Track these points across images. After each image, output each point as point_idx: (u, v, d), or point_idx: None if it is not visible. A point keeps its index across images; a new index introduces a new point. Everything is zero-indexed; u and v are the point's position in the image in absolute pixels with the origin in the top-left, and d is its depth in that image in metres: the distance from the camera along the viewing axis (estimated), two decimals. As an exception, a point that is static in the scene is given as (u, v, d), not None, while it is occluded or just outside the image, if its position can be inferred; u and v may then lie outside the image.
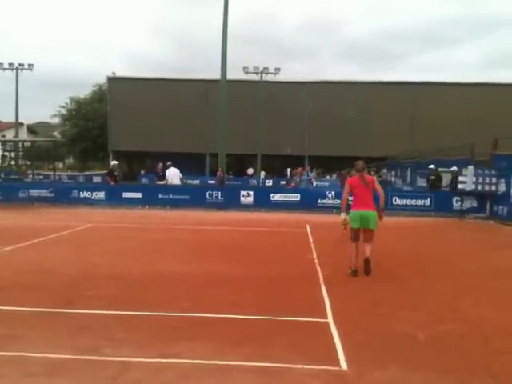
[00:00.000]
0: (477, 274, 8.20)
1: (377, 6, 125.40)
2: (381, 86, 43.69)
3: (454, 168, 18.76)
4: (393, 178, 30.87)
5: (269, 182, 36.80)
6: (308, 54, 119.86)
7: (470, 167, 16.66)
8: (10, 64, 43.55)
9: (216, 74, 28.52)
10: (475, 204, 17.19)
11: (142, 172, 40.58)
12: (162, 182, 20.39)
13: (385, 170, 36.34)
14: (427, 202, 17.85)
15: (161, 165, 21.07)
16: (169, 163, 20.46)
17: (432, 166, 19.70)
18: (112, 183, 19.90)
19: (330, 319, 5.38)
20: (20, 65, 43.71)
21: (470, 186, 16.70)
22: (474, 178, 16.59)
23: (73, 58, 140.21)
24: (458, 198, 17.33)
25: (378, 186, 7.85)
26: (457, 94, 41.01)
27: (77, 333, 4.81)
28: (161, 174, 20.72)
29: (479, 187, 16.63)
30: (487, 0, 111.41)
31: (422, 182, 22.44)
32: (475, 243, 12.20)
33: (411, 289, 6.93)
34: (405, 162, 28.04)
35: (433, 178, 19.30)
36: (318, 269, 8.07)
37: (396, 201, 17.82)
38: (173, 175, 19.84)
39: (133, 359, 4.20)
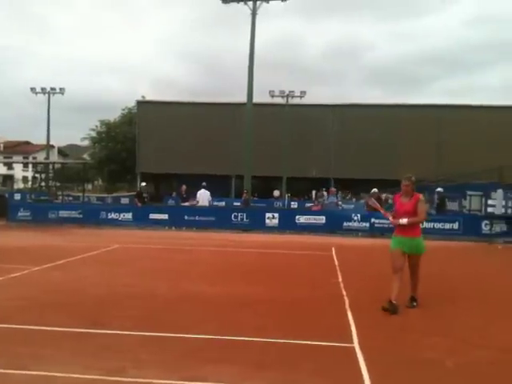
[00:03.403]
0: (507, 300, 8.00)
1: (401, 31, 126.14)
2: (406, 108, 43.52)
3: (440, 189, 20.17)
4: (435, 201, 30.51)
5: (294, 205, 36.70)
6: (333, 78, 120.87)
7: (499, 191, 16.42)
8: (43, 88, 44.81)
9: (242, 97, 28.91)
10: (505, 228, 16.86)
11: (174, 194, 40.87)
12: (186, 204, 20.52)
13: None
14: (455, 225, 17.55)
15: (184, 187, 21.23)
16: (203, 184, 20.54)
17: (440, 189, 19.95)
18: (139, 205, 20.15)
19: (355, 344, 5.30)
20: (52, 89, 44.92)
21: (499, 210, 16.43)
22: (504, 202, 16.33)
23: (103, 83, 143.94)
24: (487, 222, 17.01)
25: None
26: (483, 117, 40.54)
27: (103, 353, 4.84)
28: (184, 195, 20.86)
29: (509, 211, 16.33)
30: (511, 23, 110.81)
31: (450, 206, 22.14)
32: (505, 268, 11.92)
33: (439, 315, 6.79)
34: (432, 184, 27.72)
35: (437, 201, 19.54)
36: (344, 293, 7.98)
37: (423, 224, 17.48)
38: (203, 197, 19.94)
39: (158, 381, 4.20)
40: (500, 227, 16.91)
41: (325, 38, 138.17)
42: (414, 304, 7.01)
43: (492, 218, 16.85)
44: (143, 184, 22.90)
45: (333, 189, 24.73)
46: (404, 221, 6.78)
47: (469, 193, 19.83)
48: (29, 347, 4.98)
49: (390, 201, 30.79)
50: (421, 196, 7.00)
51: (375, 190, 21.23)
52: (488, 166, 18.76)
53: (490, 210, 16.88)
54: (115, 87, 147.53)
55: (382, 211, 7.74)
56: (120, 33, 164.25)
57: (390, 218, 7.11)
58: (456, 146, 39.78)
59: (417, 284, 7.12)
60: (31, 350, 4.88)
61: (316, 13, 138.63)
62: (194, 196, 20.76)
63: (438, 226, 17.67)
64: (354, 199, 36.56)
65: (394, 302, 6.58)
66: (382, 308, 6.59)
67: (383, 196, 33.41)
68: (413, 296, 7.09)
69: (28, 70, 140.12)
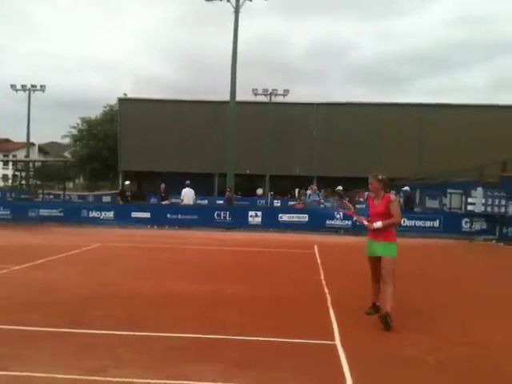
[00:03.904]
0: (486, 297, 8.11)
1: (384, 30, 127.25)
2: (389, 107, 43.84)
3: (407, 188, 20.67)
4: (401, 200, 30.81)
5: (277, 203, 36.81)
6: (316, 77, 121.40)
7: (479, 189, 16.63)
8: (23, 85, 44.18)
9: (226, 96, 28.83)
10: (485, 226, 17.10)
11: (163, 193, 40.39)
12: (165, 202, 20.42)
13: (393, 191, 36.25)
14: (436, 223, 17.76)
15: (163, 185, 21.11)
16: (187, 182, 20.45)
17: (406, 188, 20.55)
18: (121, 203, 20.01)
19: (337, 342, 5.32)
20: (32, 86, 44.31)
21: (479, 208, 16.64)
22: (483, 200, 16.54)
23: (84, 80, 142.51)
24: (468, 220, 17.23)
25: None
26: (465, 116, 41.05)
27: (83, 353, 4.80)
28: (163, 194, 20.74)
29: (488, 209, 16.56)
30: (493, 24, 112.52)
31: (431, 204, 22.38)
32: (484, 266, 12.08)
33: (420, 312, 6.85)
34: (413, 182, 27.99)
35: (404, 200, 20.18)
36: (326, 290, 8.03)
37: (404, 222, 17.72)
38: (189, 196, 19.89)
39: (139, 380, 4.17)
40: (480, 225, 17.15)
41: (308, 37, 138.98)
42: (388, 322, 5.76)
43: (472, 215, 17.07)
44: (127, 182, 22.63)
45: (314, 187, 24.81)
46: (378, 224, 6.04)
47: (449, 191, 20.02)
48: (8, 347, 4.92)
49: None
50: (391, 196, 6.25)
51: (340, 187, 21.52)
52: (469, 165, 19.01)
53: (470, 207, 17.08)
54: (96, 84, 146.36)
55: (355, 216, 6.98)
56: (102, 30, 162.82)
57: (365, 222, 6.32)
58: (438, 145, 40.24)
59: (391, 296, 5.95)
60: (10, 351, 4.82)
61: (298, 11, 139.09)
62: (178, 194, 20.67)
63: (419, 223, 17.87)
64: (337, 197, 36.70)
65: (377, 304, 6.43)
66: (366, 313, 6.44)
67: (365, 194, 33.65)
68: (387, 312, 5.84)
69: (8, 66, 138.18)
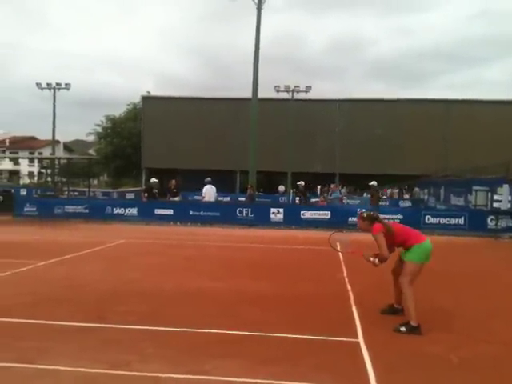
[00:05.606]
0: (510, 295, 7.99)
1: (403, 26, 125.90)
2: (412, 103, 43.30)
3: (374, 182, 20.81)
4: (425, 196, 30.50)
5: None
6: (335, 73, 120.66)
7: (505, 186, 16.38)
8: (48, 84, 44.77)
9: (247, 93, 28.87)
10: (510, 223, 16.80)
11: (175, 190, 40.60)
12: (175, 199, 20.30)
13: (417, 189, 35.89)
14: (461, 220, 17.50)
15: (174, 181, 20.99)
16: (207, 179, 20.42)
17: (374, 183, 20.70)
18: (144, 200, 20.16)
19: (360, 339, 5.31)
20: (57, 84, 44.85)
21: (505, 205, 16.39)
22: (510, 197, 16.29)
23: (108, 78, 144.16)
24: (493, 217, 16.96)
25: None
26: (490, 112, 40.32)
27: (108, 347, 4.88)
28: (175, 190, 20.61)
29: (515, 206, 16.31)
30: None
31: (456, 201, 22.10)
32: (509, 263, 11.89)
33: (443, 309, 6.79)
34: (438, 179, 27.66)
35: (370, 195, 20.36)
36: (349, 288, 8.00)
37: (429, 219, 17.54)
38: (210, 193, 19.89)
39: (162, 375, 4.23)
40: (506, 222, 16.86)
41: (326, 33, 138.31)
42: (401, 329, 5.60)
43: (498, 213, 16.81)
44: (154, 180, 22.15)
45: (332, 185, 24.79)
46: (376, 261, 5.97)
47: (475, 188, 19.73)
48: (35, 341, 5.02)
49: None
50: (372, 232, 5.94)
51: (302, 182, 21.76)
52: (495, 161, 18.68)
53: (495, 205, 16.85)
54: (115, 82, 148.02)
55: (365, 258, 6.17)
56: (120, 28, 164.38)
57: (370, 259, 6.02)
58: (463, 142, 39.62)
59: (405, 302, 5.89)
60: (37, 344, 4.92)
61: (317, 8, 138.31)
62: (200, 192, 20.66)
63: (444, 221, 17.64)
64: (364, 194, 36.48)
65: (395, 306, 6.32)
66: (380, 312, 6.37)
67: (388, 191, 33.35)
68: (401, 323, 5.71)
69: (33, 65, 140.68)
